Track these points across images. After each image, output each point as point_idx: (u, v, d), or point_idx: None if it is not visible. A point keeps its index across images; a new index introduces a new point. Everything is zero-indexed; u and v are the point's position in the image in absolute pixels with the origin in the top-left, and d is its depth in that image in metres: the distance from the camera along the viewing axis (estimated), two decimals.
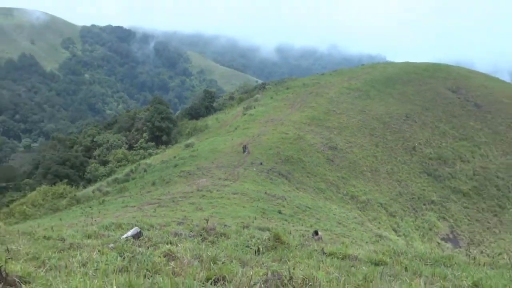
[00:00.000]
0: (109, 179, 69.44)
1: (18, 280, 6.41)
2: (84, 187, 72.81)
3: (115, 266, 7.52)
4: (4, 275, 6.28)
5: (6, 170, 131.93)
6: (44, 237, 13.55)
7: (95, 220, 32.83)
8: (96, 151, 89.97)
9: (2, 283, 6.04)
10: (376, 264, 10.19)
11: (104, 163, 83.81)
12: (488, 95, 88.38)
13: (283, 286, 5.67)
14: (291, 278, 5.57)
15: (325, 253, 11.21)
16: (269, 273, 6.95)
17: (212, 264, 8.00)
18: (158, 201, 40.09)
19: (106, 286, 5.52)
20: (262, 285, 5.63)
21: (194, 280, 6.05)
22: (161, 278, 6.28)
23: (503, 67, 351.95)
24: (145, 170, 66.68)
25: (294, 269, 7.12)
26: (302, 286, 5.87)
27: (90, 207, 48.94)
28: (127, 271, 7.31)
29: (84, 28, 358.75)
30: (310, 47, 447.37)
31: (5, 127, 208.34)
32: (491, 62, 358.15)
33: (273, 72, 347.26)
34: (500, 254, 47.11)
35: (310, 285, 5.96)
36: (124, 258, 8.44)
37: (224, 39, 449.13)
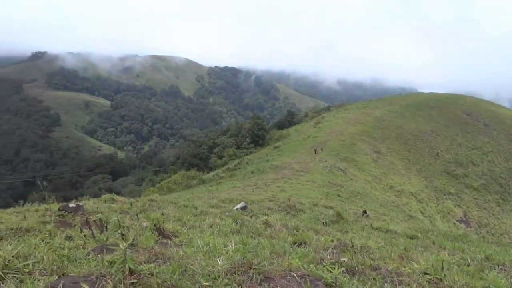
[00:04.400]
0: (224, 168, 70.54)
1: (170, 234, 6.62)
2: (207, 172, 74.44)
3: (231, 229, 7.61)
4: (162, 231, 6.52)
5: (159, 159, 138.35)
6: (184, 205, 13.96)
7: (215, 195, 33.58)
8: (215, 149, 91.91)
9: (161, 236, 6.27)
10: (411, 238, 9.68)
11: (221, 157, 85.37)
12: (494, 117, 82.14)
13: (347, 250, 5.52)
14: (352, 245, 5.39)
15: (373, 228, 10.79)
16: (335, 241, 6.80)
17: (295, 231, 7.91)
18: (255, 184, 40.35)
19: (227, 242, 5.58)
20: (333, 249, 5.51)
21: (285, 242, 6.00)
22: (262, 239, 6.29)
23: (504, 96, 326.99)
24: (247, 163, 67.16)
25: (353, 239, 6.94)
26: (360, 251, 5.70)
27: (211, 186, 50.09)
28: (239, 233, 7.36)
29: (210, 68, 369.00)
30: (360, 80, 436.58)
31: (159, 132, 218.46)
32: (494, 92, 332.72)
33: (335, 99, 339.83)
34: (502, 234, 43.83)
35: (366, 251, 5.77)
36: (237, 223, 8.51)
37: (300, 74, 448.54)
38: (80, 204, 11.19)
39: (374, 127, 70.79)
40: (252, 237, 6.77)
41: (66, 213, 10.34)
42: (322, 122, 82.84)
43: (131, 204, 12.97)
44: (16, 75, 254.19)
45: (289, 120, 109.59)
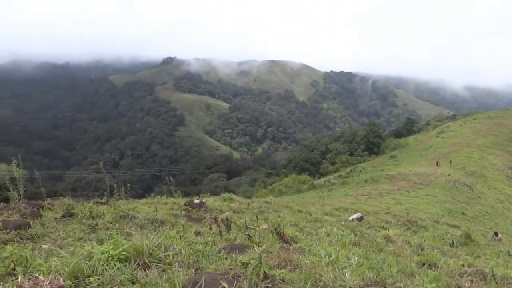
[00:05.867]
0: (335, 174, 69.58)
1: (289, 239, 6.68)
2: (318, 178, 74.09)
3: (350, 240, 7.37)
4: (282, 235, 6.62)
5: (272, 162, 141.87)
6: (298, 210, 14.08)
7: (325, 201, 33.23)
8: (328, 155, 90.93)
9: (281, 240, 6.37)
10: None
11: (333, 163, 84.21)
12: None
13: (487, 280, 4.92)
14: (493, 275, 4.77)
15: (511, 255, 9.54)
16: (466, 266, 6.15)
17: (419, 250, 7.37)
18: (369, 194, 39.03)
19: (349, 254, 5.41)
20: (470, 277, 4.94)
21: (412, 262, 5.60)
22: (386, 256, 5.97)
23: None
24: (360, 171, 65.42)
25: (489, 265, 6.19)
26: (501, 282, 5.03)
27: (322, 192, 49.79)
28: (359, 245, 7.11)
29: (325, 73, 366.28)
30: (492, 86, 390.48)
31: (273, 135, 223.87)
32: None
33: (462, 106, 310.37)
34: None
35: (508, 283, 5.07)
36: (356, 235, 8.24)
37: (421, 79, 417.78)
38: (203, 200, 12.01)
39: (509, 139, 63.06)
40: (374, 252, 6.49)
41: (191, 208, 11.18)
42: (446, 132, 76.68)
43: (248, 205, 13.50)
44: (149, 79, 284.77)
45: (408, 128, 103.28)
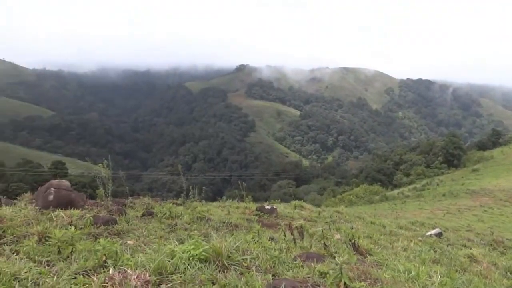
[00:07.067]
0: (410, 186, 66.69)
1: (364, 251, 6.49)
2: (391, 189, 71.43)
3: (430, 257, 6.98)
4: (357, 246, 6.46)
5: (342, 171, 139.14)
6: (371, 222, 13.64)
7: (399, 214, 31.83)
8: (402, 166, 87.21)
9: (355, 252, 6.21)
10: None
11: (407, 175, 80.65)
12: None
13: None
14: None
15: None
16: None
17: (509, 273, 6.77)
18: (447, 209, 36.86)
19: (430, 271, 5.12)
20: None
21: (501, 286, 5.16)
22: (472, 277, 5.57)
23: None
24: (437, 184, 62.10)
25: None
26: None
27: (395, 204, 47.92)
28: (439, 263, 6.71)
29: (402, 81, 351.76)
30: None
31: (343, 143, 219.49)
32: None
33: None
34: None
35: None
36: (435, 251, 7.78)
37: (509, 87, 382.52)
38: (274, 207, 12.09)
39: None
40: (457, 271, 6.08)
41: (262, 213, 11.31)
42: None
43: (319, 213, 13.35)
44: (223, 85, 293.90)
45: (494, 140, 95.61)
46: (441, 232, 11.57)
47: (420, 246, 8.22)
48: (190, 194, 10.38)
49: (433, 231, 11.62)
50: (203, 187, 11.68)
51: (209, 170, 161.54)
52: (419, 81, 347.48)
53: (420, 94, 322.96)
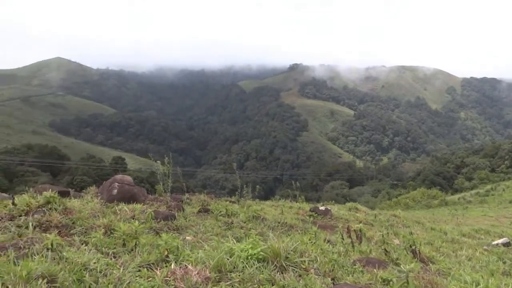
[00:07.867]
0: (472, 192, 63.14)
1: (426, 258, 6.22)
2: (452, 194, 67.98)
3: (498, 268, 6.53)
4: (417, 253, 6.18)
5: (398, 173, 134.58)
6: (431, 228, 13.07)
7: (460, 221, 30.19)
8: (464, 169, 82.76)
9: (417, 259, 5.96)
10: None
11: (469, 179, 76.38)
12: None
13: None
14: None
15: None
16: None
17: None
18: None
19: (501, 284, 4.78)
20: None
21: None
22: None
23: None
24: (503, 190, 58.27)
25: None
26: None
27: (456, 210, 45.51)
28: (509, 275, 6.25)
29: (464, 79, 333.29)
30: None
31: (400, 144, 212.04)
32: None
33: None
34: None
35: None
36: (504, 263, 7.26)
37: None
38: (329, 208, 11.90)
39: None
40: None
41: (316, 214, 11.17)
42: None
43: (375, 217, 12.97)
44: (276, 85, 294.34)
45: None
46: (509, 242, 10.80)
47: (486, 256, 7.73)
48: (244, 192, 10.48)
49: (500, 240, 10.87)
50: (257, 186, 11.73)
51: (261, 169, 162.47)
52: (484, 79, 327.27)
53: (484, 93, 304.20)
